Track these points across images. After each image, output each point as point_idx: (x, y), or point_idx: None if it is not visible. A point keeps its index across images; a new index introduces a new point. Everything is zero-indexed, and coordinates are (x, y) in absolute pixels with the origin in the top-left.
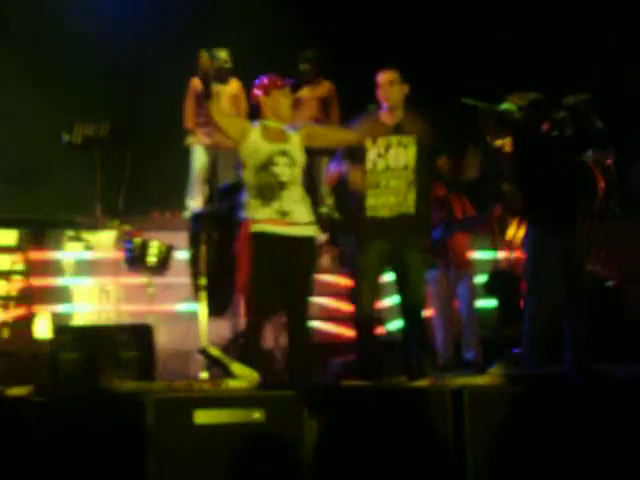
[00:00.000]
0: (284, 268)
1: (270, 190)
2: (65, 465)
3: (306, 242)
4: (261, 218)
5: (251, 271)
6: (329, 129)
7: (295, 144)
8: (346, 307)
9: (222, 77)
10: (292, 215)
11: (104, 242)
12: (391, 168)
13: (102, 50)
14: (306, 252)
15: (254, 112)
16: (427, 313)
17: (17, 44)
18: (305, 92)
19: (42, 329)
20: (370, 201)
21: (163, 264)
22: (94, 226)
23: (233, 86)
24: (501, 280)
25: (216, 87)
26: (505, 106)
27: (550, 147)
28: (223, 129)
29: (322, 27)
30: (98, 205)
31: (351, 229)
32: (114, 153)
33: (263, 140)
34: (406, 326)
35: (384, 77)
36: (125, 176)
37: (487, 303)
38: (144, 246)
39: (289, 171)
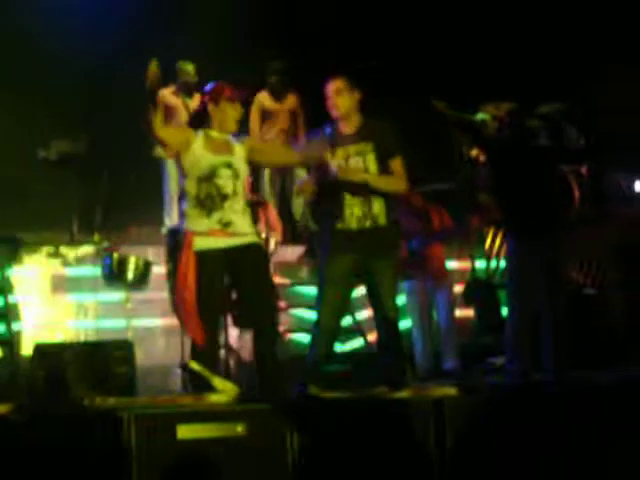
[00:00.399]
0: (233, 280)
1: (211, 201)
2: None
3: (250, 250)
4: (201, 230)
5: (198, 289)
6: (272, 148)
7: (239, 156)
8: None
9: (189, 91)
10: (233, 226)
11: (82, 258)
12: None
13: (77, 65)
14: (252, 259)
15: (196, 119)
16: (405, 324)
17: None
18: (274, 105)
19: (23, 347)
20: (337, 213)
21: (141, 280)
22: (71, 242)
23: (197, 100)
24: (479, 289)
25: (183, 101)
26: (480, 116)
27: (526, 157)
28: (165, 141)
29: (290, 37)
30: (75, 221)
31: (320, 241)
32: (91, 169)
33: (206, 151)
34: (382, 338)
35: (330, 87)
36: (102, 191)
37: (465, 313)
38: (122, 262)
39: (232, 183)
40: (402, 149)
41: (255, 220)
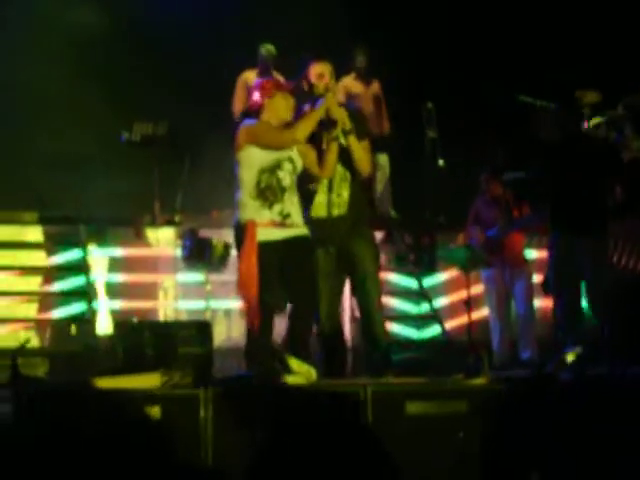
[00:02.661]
0: (291, 271)
1: (272, 192)
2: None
3: (304, 241)
4: (263, 221)
5: (261, 277)
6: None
7: (296, 152)
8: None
9: (270, 72)
10: (291, 218)
11: (163, 239)
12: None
13: (164, 51)
14: (306, 251)
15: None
16: (483, 312)
17: (81, 43)
18: (361, 89)
19: (102, 325)
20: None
21: (221, 262)
22: (153, 223)
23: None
24: None
25: None
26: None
27: (583, 158)
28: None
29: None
30: (156, 203)
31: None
32: (172, 152)
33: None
34: (362, 322)
35: (314, 69)
36: (183, 174)
37: (545, 303)
38: (202, 244)
39: (290, 177)
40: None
41: None
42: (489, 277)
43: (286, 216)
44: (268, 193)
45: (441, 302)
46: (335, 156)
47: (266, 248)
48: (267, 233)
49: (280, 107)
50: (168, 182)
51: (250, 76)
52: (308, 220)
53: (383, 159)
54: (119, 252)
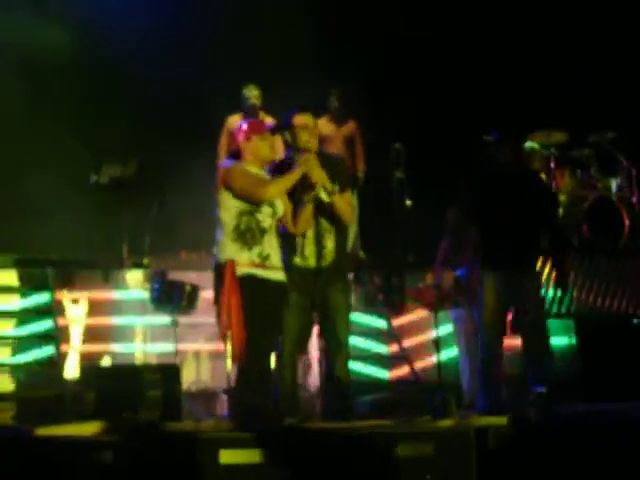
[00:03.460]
0: (270, 310)
1: (252, 234)
2: None
3: (282, 286)
4: (243, 262)
5: (246, 315)
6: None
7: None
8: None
9: (254, 115)
10: (270, 259)
11: (131, 282)
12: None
13: (131, 91)
14: (282, 295)
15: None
16: (452, 352)
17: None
18: (332, 130)
19: (70, 368)
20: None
21: (190, 304)
22: (121, 266)
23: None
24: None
25: None
26: (529, 145)
27: (515, 193)
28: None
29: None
30: (125, 246)
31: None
32: (141, 192)
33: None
34: (330, 371)
35: (297, 120)
36: (152, 215)
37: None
38: (171, 286)
39: (270, 220)
40: (354, 184)
41: None
42: (457, 316)
43: (265, 257)
44: (248, 235)
45: (410, 342)
46: (309, 216)
47: (248, 282)
48: (247, 270)
49: (259, 148)
50: (137, 223)
51: (233, 120)
52: (289, 267)
53: (352, 199)
54: (87, 295)
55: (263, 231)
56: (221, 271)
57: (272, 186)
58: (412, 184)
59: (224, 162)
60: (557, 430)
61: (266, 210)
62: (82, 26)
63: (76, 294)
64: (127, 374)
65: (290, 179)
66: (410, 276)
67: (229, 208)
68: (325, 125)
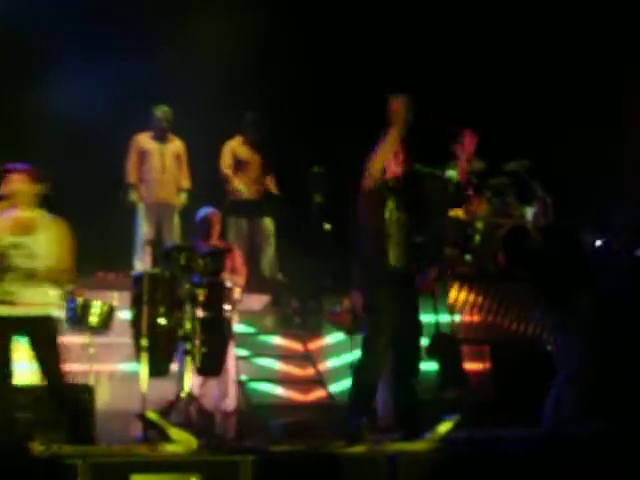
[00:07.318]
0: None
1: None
2: None
3: (36, 321)
4: None
5: None
6: None
7: (41, 236)
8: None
9: (164, 135)
10: (17, 295)
11: None
12: None
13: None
14: (38, 330)
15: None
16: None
17: None
18: (248, 155)
19: None
20: None
21: (104, 324)
22: None
23: (176, 144)
24: (442, 343)
25: (158, 145)
26: (450, 173)
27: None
28: None
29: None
30: None
31: None
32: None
33: (6, 230)
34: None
35: None
36: None
37: (428, 366)
38: (86, 306)
39: (28, 262)
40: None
41: (222, 267)
42: None
43: (8, 294)
44: None
45: (326, 365)
46: None
47: None
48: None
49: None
50: None
51: (142, 138)
52: None
53: (269, 223)
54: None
55: (9, 268)
56: None
57: None
58: (332, 207)
59: None
60: (471, 456)
61: (15, 253)
62: None
63: None
64: (37, 395)
65: None
66: (327, 299)
67: None
68: (240, 148)
